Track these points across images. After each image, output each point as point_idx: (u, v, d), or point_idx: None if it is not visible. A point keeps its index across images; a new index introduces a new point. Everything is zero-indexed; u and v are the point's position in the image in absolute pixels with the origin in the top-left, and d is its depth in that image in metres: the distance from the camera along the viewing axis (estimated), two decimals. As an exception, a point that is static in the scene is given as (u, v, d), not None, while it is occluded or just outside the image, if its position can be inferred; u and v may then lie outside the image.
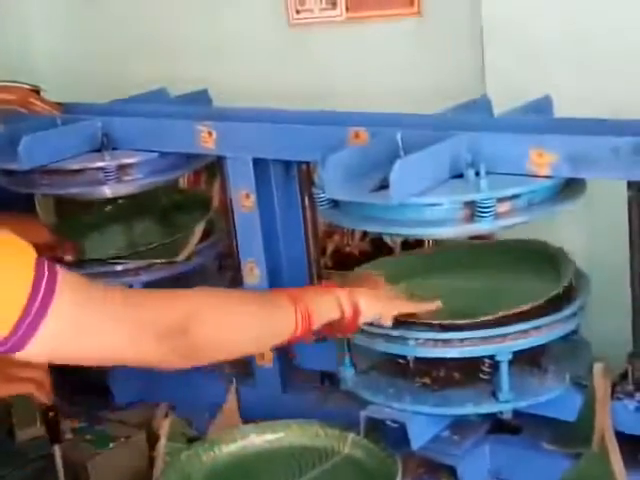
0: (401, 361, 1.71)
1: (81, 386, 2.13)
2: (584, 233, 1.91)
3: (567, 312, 1.61)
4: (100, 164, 1.94)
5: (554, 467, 1.62)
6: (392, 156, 1.52)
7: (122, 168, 1.95)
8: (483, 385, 1.64)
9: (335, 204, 1.61)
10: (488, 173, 1.50)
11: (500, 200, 1.50)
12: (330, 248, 2.37)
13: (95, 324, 1.25)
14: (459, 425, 1.70)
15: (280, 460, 1.68)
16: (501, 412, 1.62)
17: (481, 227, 1.51)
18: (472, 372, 1.67)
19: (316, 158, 1.58)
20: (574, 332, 1.68)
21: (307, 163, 1.89)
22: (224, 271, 2.17)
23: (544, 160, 1.50)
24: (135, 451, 1.81)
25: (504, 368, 1.58)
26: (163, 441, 1.82)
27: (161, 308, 1.33)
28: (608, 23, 1.84)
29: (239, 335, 1.41)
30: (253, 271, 1.90)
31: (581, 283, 1.68)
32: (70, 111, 2.16)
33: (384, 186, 1.47)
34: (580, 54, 1.86)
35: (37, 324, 1.17)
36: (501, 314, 1.56)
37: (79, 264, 2.05)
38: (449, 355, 1.60)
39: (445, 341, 1.58)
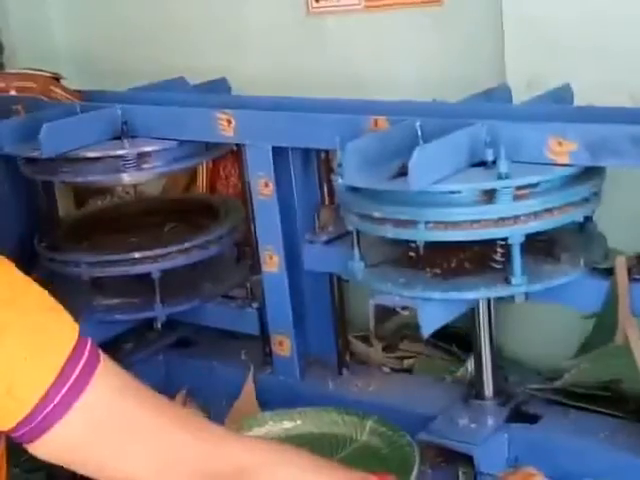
0: (412, 254, 1.67)
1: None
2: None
3: (581, 195, 1.56)
4: (120, 152, 1.94)
5: (574, 456, 1.63)
6: (411, 144, 1.52)
7: (141, 156, 1.95)
8: (496, 273, 1.61)
9: (354, 192, 1.61)
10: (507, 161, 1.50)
11: (519, 188, 1.50)
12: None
13: (124, 441, 1.07)
14: (477, 413, 1.70)
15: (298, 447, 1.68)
16: (513, 297, 1.58)
17: (499, 214, 1.51)
18: (484, 262, 1.63)
19: (335, 146, 1.58)
20: (589, 220, 1.66)
21: (326, 151, 1.89)
22: (242, 259, 2.18)
23: (563, 149, 1.50)
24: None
25: (516, 251, 1.53)
26: (181, 428, 1.82)
27: (212, 451, 1.12)
28: (628, 11, 1.83)
29: None
30: (271, 259, 1.91)
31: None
32: (90, 99, 2.17)
33: (403, 174, 1.47)
34: (600, 43, 1.84)
35: (55, 418, 1.00)
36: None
37: (96, 252, 2.06)
38: (460, 238, 1.53)
39: (455, 224, 1.52)
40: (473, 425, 1.69)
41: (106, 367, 1.08)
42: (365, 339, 2.11)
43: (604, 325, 1.58)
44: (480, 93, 1.79)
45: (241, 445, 1.19)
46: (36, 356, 1.01)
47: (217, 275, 2.16)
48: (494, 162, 1.51)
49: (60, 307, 1.09)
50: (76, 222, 2.32)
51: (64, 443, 1.04)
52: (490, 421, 1.70)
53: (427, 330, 1.57)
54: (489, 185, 1.49)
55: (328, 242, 1.89)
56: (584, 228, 1.67)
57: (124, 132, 1.98)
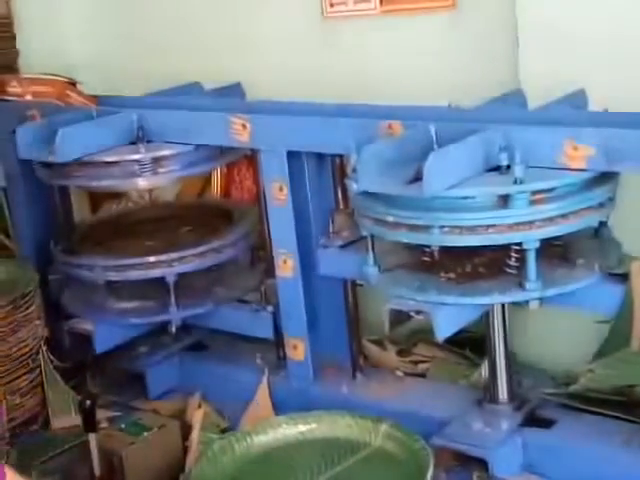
0: (426, 259, 1.68)
1: (117, 376, 2.16)
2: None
3: (596, 200, 1.56)
4: (135, 156, 1.95)
5: (589, 461, 1.62)
6: (426, 149, 1.52)
7: (157, 161, 1.96)
8: (510, 278, 1.61)
9: (368, 196, 1.61)
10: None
11: (534, 193, 1.50)
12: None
13: None
14: (492, 417, 1.70)
15: (312, 451, 1.69)
16: (527, 302, 1.59)
17: (515, 219, 1.51)
18: (499, 267, 1.64)
19: (350, 150, 1.59)
20: (603, 225, 1.66)
21: (340, 155, 1.89)
22: (256, 263, 2.18)
23: (578, 153, 1.50)
24: (169, 440, 1.82)
25: (531, 256, 1.53)
26: (196, 431, 1.83)
27: None
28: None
29: None
30: (286, 263, 1.91)
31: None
32: (105, 104, 2.18)
33: (418, 178, 1.47)
34: (614, 47, 1.84)
35: None
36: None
37: (112, 256, 2.07)
38: (474, 243, 1.54)
39: (470, 228, 1.52)
40: (487, 429, 1.69)
41: None
42: (379, 343, 2.11)
43: (620, 331, 1.58)
44: (495, 98, 1.80)
45: None
46: None
47: (231, 279, 2.16)
48: (509, 167, 1.52)
49: None
50: (92, 226, 2.34)
51: None
52: (504, 425, 1.70)
53: (442, 334, 1.57)
54: (504, 190, 1.49)
55: (343, 247, 1.90)
56: (599, 233, 1.67)
57: (139, 137, 1.99)
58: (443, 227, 1.53)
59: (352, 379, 1.98)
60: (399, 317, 1.61)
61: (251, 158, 2.13)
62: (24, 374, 1.99)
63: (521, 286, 1.57)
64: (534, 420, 1.72)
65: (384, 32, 2.23)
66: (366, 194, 1.61)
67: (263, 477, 1.66)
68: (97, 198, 2.66)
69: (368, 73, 2.24)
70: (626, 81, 1.82)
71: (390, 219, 1.58)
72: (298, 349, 1.97)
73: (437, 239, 1.56)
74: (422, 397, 1.90)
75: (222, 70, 2.36)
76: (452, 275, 1.65)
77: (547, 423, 1.71)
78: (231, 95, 2.23)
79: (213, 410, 1.99)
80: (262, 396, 2.00)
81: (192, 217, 2.30)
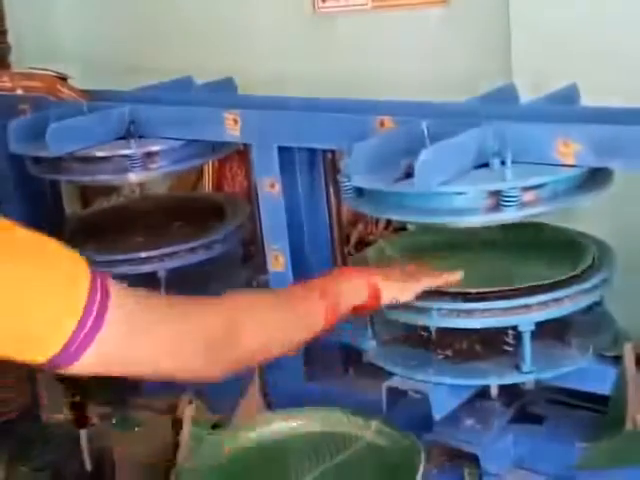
0: (423, 334, 1.70)
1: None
2: (610, 218, 1.90)
3: (590, 283, 1.59)
4: (126, 151, 1.94)
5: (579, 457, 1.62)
6: (418, 145, 1.51)
7: (148, 155, 1.96)
8: (506, 357, 1.64)
9: (360, 192, 1.61)
10: (514, 162, 1.50)
11: (525, 189, 1.50)
12: (354, 237, 2.37)
13: (148, 330, 1.24)
14: (483, 414, 1.70)
15: (303, 447, 1.69)
16: (523, 383, 1.62)
17: (506, 216, 1.51)
18: (495, 345, 1.66)
19: (341, 146, 1.59)
20: (598, 304, 1.67)
21: (332, 151, 1.89)
22: (248, 258, 2.18)
23: (570, 149, 1.50)
24: (160, 436, 1.82)
25: (527, 339, 1.57)
26: (187, 427, 1.83)
27: (205, 317, 1.32)
28: (636, 13, 1.83)
29: (276, 342, 1.43)
30: (278, 259, 1.91)
31: (605, 255, 1.66)
32: (97, 98, 2.17)
33: (409, 175, 1.47)
34: (608, 42, 1.85)
35: (92, 336, 1.16)
36: (524, 285, 1.56)
37: (103, 251, 2.06)
38: (471, 326, 1.58)
39: (467, 312, 1.57)
40: (478, 426, 1.69)
41: (114, 285, 1.23)
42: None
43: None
44: (487, 93, 1.80)
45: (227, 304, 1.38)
46: (62, 291, 1.17)
47: (223, 274, 2.16)
48: (503, 163, 1.52)
49: (73, 253, 1.25)
50: (82, 221, 2.33)
51: (100, 356, 1.17)
52: (495, 421, 1.70)
53: (439, 414, 1.60)
54: (496, 186, 1.49)
55: None
56: (593, 311, 1.69)
57: (131, 132, 1.98)
58: (440, 310, 1.58)
59: (344, 375, 1.98)
60: (396, 394, 1.64)
61: (243, 153, 2.12)
62: (15, 370, 1.99)
63: (517, 368, 1.60)
64: (525, 416, 1.72)
65: (376, 27, 2.23)
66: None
67: (254, 473, 1.66)
68: (88, 194, 2.66)
69: (360, 68, 2.24)
70: (619, 77, 1.83)
71: None
72: (290, 345, 1.96)
73: (435, 321, 1.60)
74: (414, 393, 1.90)
75: (215, 65, 2.36)
76: (449, 353, 1.68)
77: (537, 419, 1.72)
78: (223, 90, 2.22)
79: (204, 406, 1.99)
80: (253, 392, 2.00)
81: (184, 212, 2.29)
